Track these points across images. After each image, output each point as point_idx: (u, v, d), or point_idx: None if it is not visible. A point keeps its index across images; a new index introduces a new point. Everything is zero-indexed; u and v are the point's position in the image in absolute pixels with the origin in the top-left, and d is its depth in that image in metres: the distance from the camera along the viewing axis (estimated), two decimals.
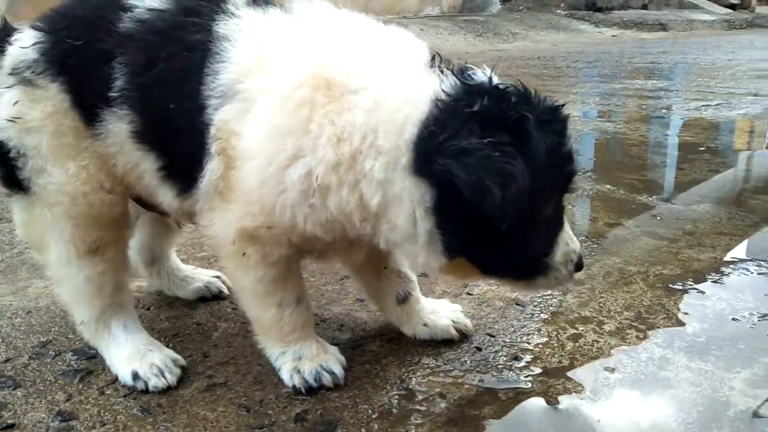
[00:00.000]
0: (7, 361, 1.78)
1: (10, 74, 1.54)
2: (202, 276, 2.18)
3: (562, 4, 18.90)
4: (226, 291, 2.17)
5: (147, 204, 1.75)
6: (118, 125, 1.52)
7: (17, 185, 1.60)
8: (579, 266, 1.50)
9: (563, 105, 1.39)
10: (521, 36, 15.22)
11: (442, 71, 1.36)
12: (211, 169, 1.45)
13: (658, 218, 2.90)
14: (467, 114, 1.25)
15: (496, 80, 1.35)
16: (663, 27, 16.96)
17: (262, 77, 1.40)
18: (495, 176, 1.18)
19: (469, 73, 1.36)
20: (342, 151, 1.33)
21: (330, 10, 1.53)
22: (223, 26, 1.46)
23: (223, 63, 1.42)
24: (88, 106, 1.53)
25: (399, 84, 1.34)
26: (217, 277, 2.20)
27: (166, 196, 1.59)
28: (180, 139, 1.49)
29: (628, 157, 4.09)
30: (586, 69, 9.15)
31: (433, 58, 1.41)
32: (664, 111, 5.63)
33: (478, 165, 1.19)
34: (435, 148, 1.25)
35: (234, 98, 1.41)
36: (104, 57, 1.49)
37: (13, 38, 1.57)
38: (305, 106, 1.35)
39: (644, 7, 20.26)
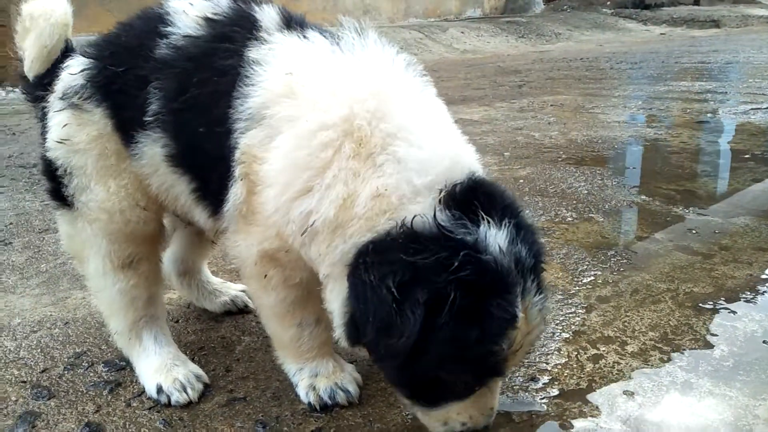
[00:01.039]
0: (44, 371, 1.89)
1: (61, 98, 1.66)
2: (229, 290, 2.25)
3: (608, 2, 18.44)
4: (251, 305, 2.23)
5: (184, 218, 1.84)
6: (153, 148, 1.60)
7: (62, 200, 1.72)
8: None
9: (515, 317, 1.21)
10: (565, 36, 14.94)
11: (447, 200, 1.26)
12: (235, 193, 1.49)
13: (694, 232, 2.80)
14: (401, 258, 1.21)
15: (495, 242, 1.22)
16: (715, 24, 16.30)
17: (291, 106, 1.40)
18: (379, 320, 1.21)
19: (465, 221, 1.24)
20: (339, 214, 1.33)
21: (381, 52, 1.46)
22: (254, 51, 1.48)
23: (252, 87, 1.43)
24: (127, 129, 1.62)
25: (396, 189, 1.29)
26: (244, 291, 2.27)
27: (200, 216, 1.66)
28: (210, 163, 1.53)
29: (666, 166, 3.97)
30: (630, 70, 8.91)
31: (463, 188, 1.29)
32: (709, 115, 5.43)
33: (372, 302, 1.22)
34: (359, 263, 1.27)
35: (260, 123, 1.42)
36: (141, 82, 1.57)
37: (65, 64, 1.69)
38: (329, 149, 1.33)
39: (696, 2, 19.54)
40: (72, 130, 1.64)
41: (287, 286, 1.56)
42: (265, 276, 1.54)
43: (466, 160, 1.39)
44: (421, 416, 1.43)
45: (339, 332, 1.38)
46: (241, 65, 1.47)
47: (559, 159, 4.18)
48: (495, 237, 1.22)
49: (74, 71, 1.65)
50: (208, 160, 1.53)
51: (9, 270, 2.66)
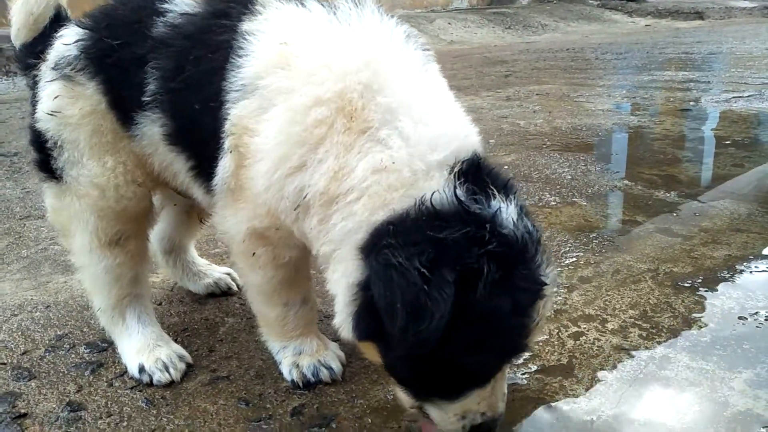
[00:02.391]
0: (24, 353, 1.87)
1: (53, 68, 1.61)
2: (214, 272, 2.24)
3: None
4: (235, 288, 2.23)
5: (185, 195, 1.81)
6: (152, 128, 1.57)
7: (50, 172, 1.68)
8: (484, 429, 1.33)
9: (544, 285, 1.20)
10: (551, 28, 14.97)
11: (461, 175, 1.24)
12: (224, 165, 1.46)
13: (674, 215, 2.84)
14: (428, 236, 1.16)
15: (509, 216, 1.21)
16: (699, 15, 16.43)
17: (285, 77, 1.35)
18: (408, 304, 1.11)
19: (480, 196, 1.22)
20: (331, 186, 1.29)
21: (379, 23, 1.41)
22: (248, 23, 1.43)
23: (245, 57, 1.39)
24: (124, 109, 1.59)
25: (408, 164, 1.25)
26: (228, 274, 2.26)
27: (198, 193, 1.64)
28: (206, 139, 1.49)
29: (649, 152, 4.01)
30: (615, 61, 8.96)
31: (470, 163, 1.27)
32: (692, 103, 5.48)
33: (400, 285, 1.12)
34: (382, 245, 1.19)
35: (253, 94, 1.37)
36: (138, 61, 1.53)
37: (59, 33, 1.64)
38: (323, 126, 1.30)
39: None
40: (64, 103, 1.60)
41: (276, 266, 1.54)
42: (254, 254, 1.52)
43: (471, 138, 1.36)
44: (436, 414, 1.32)
45: (342, 322, 1.28)
46: (234, 39, 1.43)
47: (544, 146, 4.20)
48: (508, 211, 1.21)
49: (68, 41, 1.61)
50: (203, 136, 1.49)
51: None
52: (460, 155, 1.27)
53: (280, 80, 1.35)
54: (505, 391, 1.35)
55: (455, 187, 1.21)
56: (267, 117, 1.36)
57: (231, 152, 1.42)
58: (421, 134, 1.27)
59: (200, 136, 1.50)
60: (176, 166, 1.62)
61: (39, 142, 1.65)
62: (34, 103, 1.66)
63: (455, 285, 1.11)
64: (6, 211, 3.24)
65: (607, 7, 17.28)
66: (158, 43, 1.52)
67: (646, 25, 15.52)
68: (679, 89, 6.21)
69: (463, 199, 1.20)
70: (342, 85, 1.30)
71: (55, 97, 1.59)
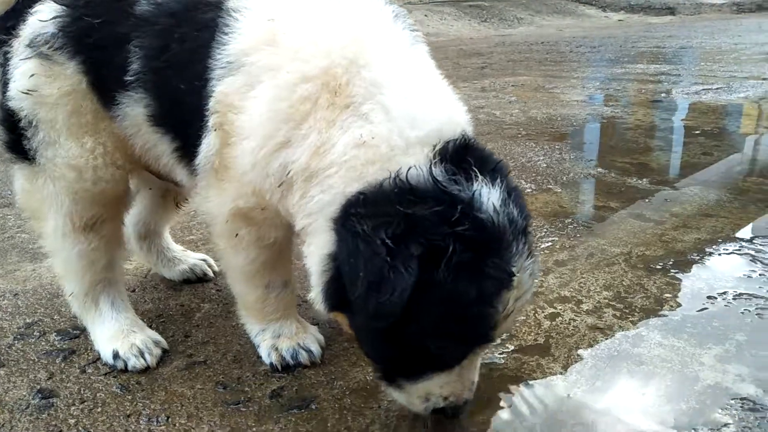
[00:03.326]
0: None
1: (28, 45, 1.55)
2: (188, 258, 2.21)
3: None
4: (211, 274, 2.20)
5: (166, 178, 1.77)
6: (135, 109, 1.53)
7: (21, 154, 1.61)
8: (447, 413, 1.34)
9: (512, 276, 1.16)
10: (526, 21, 15.09)
11: (442, 154, 1.21)
12: (208, 143, 1.43)
13: (647, 200, 2.89)
14: (397, 210, 1.14)
15: (489, 201, 1.17)
16: (671, 11, 16.75)
17: (272, 54, 1.33)
18: (371, 274, 1.12)
19: (460, 177, 1.19)
20: (312, 162, 1.28)
21: (368, 2, 1.41)
22: (234, 0, 1.41)
23: (231, 34, 1.37)
24: (105, 89, 1.54)
25: (387, 140, 1.24)
26: (203, 260, 2.23)
27: (182, 175, 1.60)
28: (190, 119, 1.46)
29: (622, 141, 4.07)
30: (589, 54, 9.07)
31: (457, 143, 1.24)
32: (663, 95, 5.59)
33: (364, 254, 1.13)
34: (350, 213, 1.20)
35: (239, 71, 1.35)
36: (120, 40, 1.48)
37: (34, 8, 1.57)
38: (308, 102, 1.29)
39: None
40: (40, 81, 1.54)
41: (259, 247, 1.52)
42: (237, 235, 1.50)
43: (458, 119, 1.33)
44: (398, 395, 1.34)
45: (316, 294, 1.29)
46: (220, 16, 1.40)
47: (519, 135, 4.24)
48: (489, 195, 1.17)
49: (44, 17, 1.54)
50: (188, 116, 1.45)
51: None
52: (445, 134, 1.25)
53: (267, 57, 1.33)
54: (475, 379, 1.33)
55: (432, 165, 1.20)
56: (253, 94, 1.34)
57: (215, 130, 1.40)
58: (402, 109, 1.25)
59: (185, 116, 1.46)
60: (160, 148, 1.58)
61: (10, 121, 1.59)
62: (5, 81, 1.59)
63: (420, 261, 1.11)
64: None
65: (581, 2, 17.47)
66: (141, 21, 1.48)
67: (619, 20, 15.75)
68: (650, 81, 6.32)
69: (439, 178, 1.18)
70: (328, 60, 1.30)
71: (31, 76, 1.54)
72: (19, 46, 1.56)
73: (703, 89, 5.75)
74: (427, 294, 1.13)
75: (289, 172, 1.32)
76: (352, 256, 1.15)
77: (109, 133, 1.59)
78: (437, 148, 1.22)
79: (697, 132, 4.22)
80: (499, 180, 1.21)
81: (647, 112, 4.92)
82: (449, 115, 1.31)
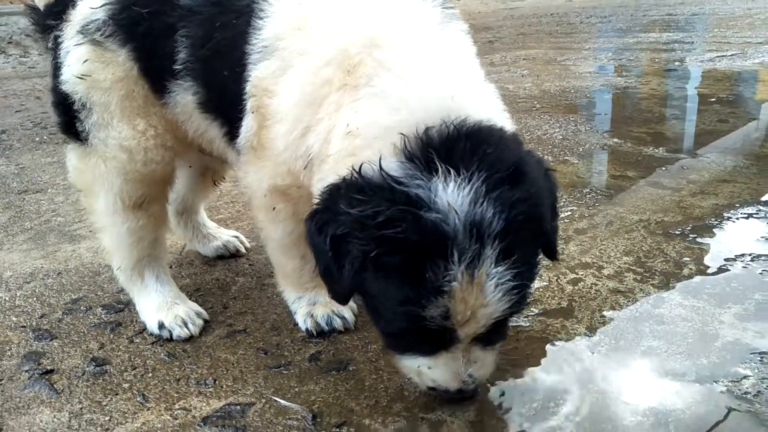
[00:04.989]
0: (42, 316, 1.92)
1: (80, 32, 1.61)
2: (222, 235, 2.30)
3: None
4: (243, 250, 2.29)
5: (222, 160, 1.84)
6: (186, 97, 1.60)
7: (75, 134, 1.69)
8: (443, 396, 1.35)
9: (441, 286, 1.10)
10: None
11: (412, 145, 1.14)
12: (247, 125, 1.49)
13: (663, 168, 2.93)
14: (341, 209, 1.16)
15: (444, 200, 1.09)
16: None
17: (303, 38, 1.37)
18: (321, 266, 1.26)
19: (420, 172, 1.12)
20: (322, 148, 1.32)
21: None
22: None
23: (266, 19, 1.41)
24: (156, 77, 1.61)
25: (365, 130, 1.23)
26: (236, 236, 2.32)
27: (232, 156, 1.67)
28: (235, 104, 1.52)
29: (637, 111, 4.09)
30: (600, 24, 8.98)
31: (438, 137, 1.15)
32: (676, 63, 5.56)
33: (316, 249, 1.25)
34: (315, 209, 1.26)
35: (273, 55, 1.40)
36: (168, 30, 1.54)
37: None
38: (327, 86, 1.31)
39: None
40: (94, 67, 1.61)
41: (296, 220, 1.56)
42: (274, 209, 1.57)
43: (463, 103, 1.21)
44: (396, 362, 1.38)
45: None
46: (256, 2, 1.44)
47: (534, 108, 4.26)
48: (448, 192, 1.08)
49: (94, 4, 1.61)
50: (233, 101, 1.51)
51: None
52: (428, 119, 1.16)
53: (297, 41, 1.38)
54: (466, 372, 1.28)
55: (381, 159, 1.14)
56: (285, 78, 1.39)
57: (253, 113, 1.46)
58: (391, 94, 1.22)
59: (230, 101, 1.52)
60: (211, 132, 1.65)
61: (64, 104, 1.66)
62: (56, 65, 1.66)
63: (357, 262, 1.15)
64: (3, 186, 3.24)
65: None
66: (186, 11, 1.53)
67: None
68: (663, 50, 6.27)
69: (393, 172, 1.12)
70: (346, 40, 1.32)
71: (85, 61, 1.60)
72: (70, 32, 1.63)
73: (717, 56, 5.71)
74: (368, 288, 1.20)
75: (309, 156, 1.37)
76: (311, 246, 1.27)
77: (159, 117, 1.66)
78: (406, 137, 1.15)
79: (713, 99, 4.22)
80: (484, 173, 1.10)
81: (661, 82, 4.91)
82: (446, 96, 1.21)
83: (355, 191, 1.15)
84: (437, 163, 1.11)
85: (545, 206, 1.22)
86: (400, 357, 1.33)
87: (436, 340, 1.23)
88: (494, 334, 1.26)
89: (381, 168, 1.13)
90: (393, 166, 1.13)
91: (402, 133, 1.16)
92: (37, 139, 4.23)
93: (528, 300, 1.26)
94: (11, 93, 5.97)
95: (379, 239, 1.11)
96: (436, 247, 1.08)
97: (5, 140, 4.24)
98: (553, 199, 1.31)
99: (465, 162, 1.11)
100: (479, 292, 1.11)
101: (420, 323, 1.15)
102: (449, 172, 1.10)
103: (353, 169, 1.17)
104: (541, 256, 1.30)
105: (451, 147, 1.13)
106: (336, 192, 1.21)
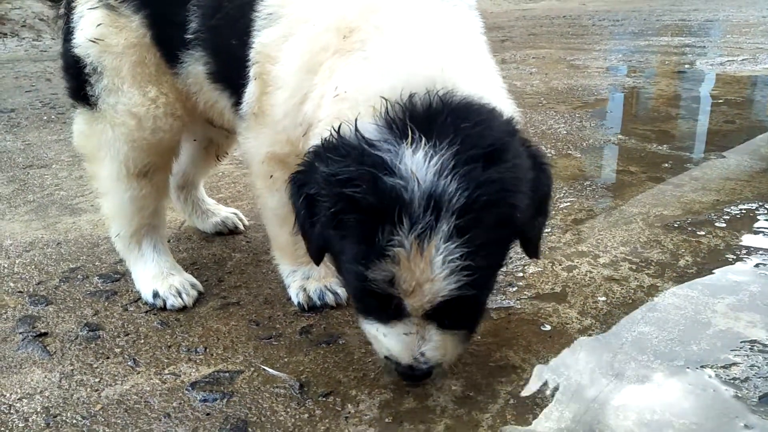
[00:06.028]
0: (39, 283, 1.94)
1: None
2: (221, 212, 2.31)
3: None
4: (241, 227, 2.30)
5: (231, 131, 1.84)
6: (197, 67, 1.61)
7: (84, 99, 1.69)
8: (395, 369, 1.31)
9: (385, 250, 1.10)
10: None
11: (394, 110, 1.14)
12: (249, 91, 1.50)
13: (666, 165, 2.92)
14: (317, 170, 1.18)
15: (408, 166, 1.07)
16: None
17: (306, 5, 1.39)
18: (299, 225, 1.32)
19: (392, 137, 1.11)
20: (315, 114, 1.34)
21: None
22: None
23: None
24: (168, 46, 1.62)
25: (351, 94, 1.24)
26: (235, 213, 2.33)
27: (241, 127, 1.66)
28: (242, 72, 1.52)
29: (643, 110, 4.07)
30: (612, 27, 8.94)
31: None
32: (687, 66, 5.53)
33: (294, 206, 1.31)
34: (298, 169, 1.28)
35: (277, 22, 1.42)
36: (181, 0, 1.56)
37: None
38: (324, 52, 1.33)
39: None
40: (107, 31, 1.62)
41: None
42: (271, 176, 1.57)
43: (453, 76, 1.20)
44: (360, 325, 1.37)
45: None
46: None
47: (540, 104, 4.25)
48: (414, 160, 1.07)
49: None
50: (241, 69, 1.51)
51: None
52: (413, 86, 1.16)
53: (300, 8, 1.40)
54: (418, 349, 1.24)
55: (358, 120, 1.15)
56: (287, 46, 1.40)
57: (255, 79, 1.47)
58: (381, 58, 1.23)
59: (239, 70, 1.52)
60: (221, 103, 1.66)
61: (75, 68, 1.66)
62: (69, 29, 1.67)
63: (327, 220, 1.17)
64: (9, 161, 3.28)
65: None
66: None
67: None
68: (674, 53, 6.25)
69: (368, 135, 1.13)
70: (347, 6, 1.33)
71: (98, 25, 1.61)
72: None
73: (728, 60, 5.67)
74: (332, 246, 1.25)
75: (309, 124, 1.38)
76: (292, 207, 1.32)
77: (170, 86, 1.67)
78: (389, 102, 1.14)
79: (720, 101, 4.19)
80: (448, 147, 1.08)
81: (670, 83, 4.89)
82: (435, 65, 1.20)
83: (332, 151, 1.17)
84: (411, 130, 1.10)
85: (520, 194, 1.15)
86: (363, 320, 1.33)
87: (386, 306, 1.21)
88: (454, 317, 1.22)
89: (357, 129, 1.14)
90: (369, 128, 1.14)
91: (383, 97, 1.15)
92: (45, 118, 4.27)
93: (488, 288, 1.25)
94: (23, 74, 6.02)
95: (338, 197, 1.13)
96: (390, 211, 1.07)
97: (14, 118, 4.28)
98: (542, 194, 1.26)
99: (440, 133, 1.10)
100: (427, 264, 1.09)
101: (367, 285, 1.15)
102: (420, 140, 1.09)
103: (333, 129, 1.19)
104: (513, 247, 1.28)
105: (432, 117, 1.13)
106: (317, 153, 1.22)
